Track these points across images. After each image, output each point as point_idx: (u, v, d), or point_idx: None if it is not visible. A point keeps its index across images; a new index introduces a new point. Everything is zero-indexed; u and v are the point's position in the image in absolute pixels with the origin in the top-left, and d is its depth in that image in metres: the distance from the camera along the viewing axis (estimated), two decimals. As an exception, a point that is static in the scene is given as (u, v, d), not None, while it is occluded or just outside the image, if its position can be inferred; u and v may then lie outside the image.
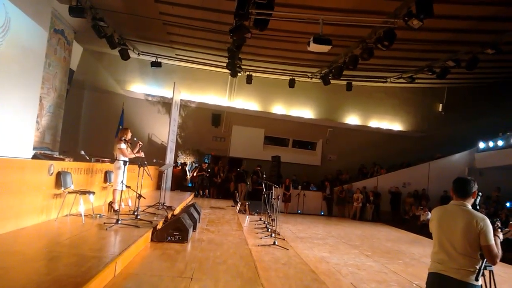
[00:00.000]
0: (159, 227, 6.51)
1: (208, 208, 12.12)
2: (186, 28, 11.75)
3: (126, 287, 3.93)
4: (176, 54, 15.14)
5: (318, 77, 15.24)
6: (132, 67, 16.41)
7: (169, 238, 6.16)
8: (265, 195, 9.92)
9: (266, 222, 10.07)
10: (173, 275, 4.48)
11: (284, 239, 8.57)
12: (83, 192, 6.48)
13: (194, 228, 7.38)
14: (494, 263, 2.72)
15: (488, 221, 2.73)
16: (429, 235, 3.15)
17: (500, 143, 15.87)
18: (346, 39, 10.83)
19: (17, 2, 7.97)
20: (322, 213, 16.29)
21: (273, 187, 9.45)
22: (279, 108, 18.14)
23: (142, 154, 7.71)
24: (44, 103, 11.15)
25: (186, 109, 17.22)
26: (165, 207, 8.67)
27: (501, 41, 10.38)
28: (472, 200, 2.91)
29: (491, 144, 16.41)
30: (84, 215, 6.40)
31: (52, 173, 5.96)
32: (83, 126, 16.10)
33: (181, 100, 16.22)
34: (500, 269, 7.37)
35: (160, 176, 12.05)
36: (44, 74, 10.26)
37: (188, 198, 12.97)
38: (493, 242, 2.68)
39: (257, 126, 17.74)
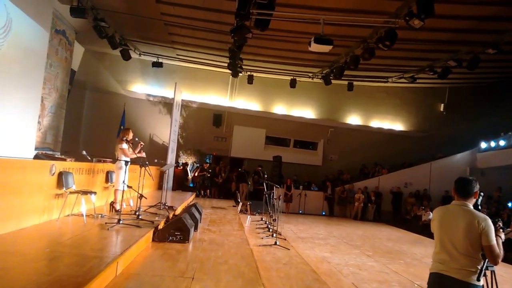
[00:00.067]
0: (160, 227, 6.52)
1: (209, 208, 12.13)
2: (187, 29, 11.76)
3: (127, 287, 3.94)
4: (177, 55, 15.16)
5: (319, 77, 15.24)
6: (133, 68, 16.43)
7: (170, 238, 6.16)
8: (266, 195, 9.91)
9: (267, 222, 10.07)
10: (174, 275, 4.49)
11: (285, 239, 8.57)
12: (85, 192, 6.49)
13: (196, 228, 7.39)
14: (495, 263, 2.72)
15: (489, 221, 2.72)
16: (430, 235, 3.15)
17: (501, 143, 15.84)
18: (347, 39, 10.82)
19: (19, 3, 7.99)
20: (324, 213, 16.28)
21: (274, 187, 9.45)
22: (280, 108, 18.13)
23: (143, 154, 7.73)
24: (45, 103, 11.17)
25: (187, 109, 17.23)
26: (167, 207, 8.67)
27: (502, 41, 10.36)
28: (474, 200, 2.91)
29: (492, 144, 16.37)
30: (86, 215, 6.41)
31: (53, 173, 5.97)
32: (85, 126, 16.13)
33: (182, 100, 16.21)
34: (501, 269, 7.35)
35: (161, 176, 12.07)
36: (45, 75, 10.28)
37: (189, 198, 12.98)
38: (494, 242, 2.67)
39: (258, 126, 17.74)
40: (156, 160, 10.71)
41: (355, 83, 15.77)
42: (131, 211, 7.41)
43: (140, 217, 6.73)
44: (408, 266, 7.42)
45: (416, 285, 5.99)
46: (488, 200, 14.42)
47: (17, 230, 5.04)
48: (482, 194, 2.98)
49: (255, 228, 9.62)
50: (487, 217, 2.74)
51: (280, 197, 10.33)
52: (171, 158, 13.59)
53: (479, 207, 2.98)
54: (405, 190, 16.74)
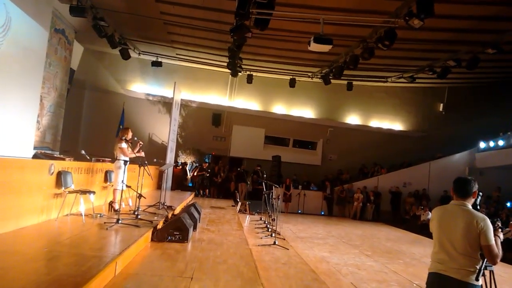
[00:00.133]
0: (159, 226, 6.51)
1: (208, 207, 12.13)
2: (187, 28, 11.75)
3: (126, 287, 3.94)
4: (177, 54, 15.14)
5: (319, 76, 15.24)
6: (133, 67, 16.41)
7: (169, 237, 6.16)
8: (266, 195, 9.91)
9: (266, 222, 10.07)
10: (173, 275, 4.48)
11: (284, 239, 8.57)
12: (84, 192, 6.49)
13: (195, 228, 7.38)
14: (494, 263, 2.72)
15: (488, 221, 2.72)
16: (429, 235, 3.15)
17: (500, 143, 15.86)
18: (347, 38, 10.82)
19: (18, 2, 7.97)
20: (323, 213, 16.29)
21: (273, 186, 9.45)
22: (279, 108, 18.13)
23: (142, 154, 7.72)
24: (44, 102, 11.16)
25: (186, 108, 17.22)
26: (166, 207, 8.67)
27: (502, 41, 10.36)
28: (473, 200, 2.91)
29: (491, 144, 16.39)
30: (85, 215, 6.40)
31: (52, 173, 5.97)
32: (84, 126, 16.12)
33: (181, 99, 16.22)
34: (500, 269, 7.36)
35: (160, 176, 12.06)
36: (44, 74, 10.26)
37: (188, 197, 12.97)
38: (493, 242, 2.67)
39: (258, 126, 17.73)
40: (155, 160, 10.71)
41: (354, 83, 15.77)
42: (130, 210, 7.40)
43: (139, 216, 6.72)
44: (407, 265, 7.43)
45: (415, 284, 6.00)
46: (487, 200, 14.44)
47: (16, 229, 5.03)
48: (481, 194, 2.99)
49: (254, 228, 9.62)
50: (486, 217, 2.74)
51: (279, 197, 10.33)
52: (170, 157, 13.60)
53: (478, 207, 2.98)
54: (404, 190, 16.75)
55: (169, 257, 5.30)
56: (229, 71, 14.50)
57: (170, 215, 7.88)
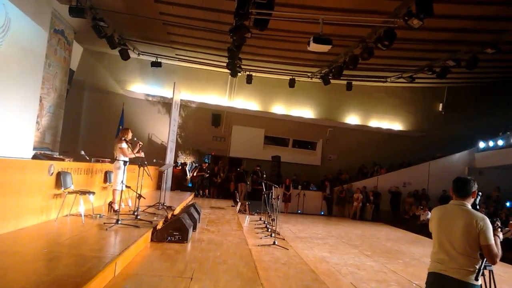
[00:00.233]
0: (159, 227, 6.51)
1: (208, 208, 12.12)
2: (186, 28, 11.75)
3: (126, 287, 3.93)
4: (176, 54, 15.14)
5: (318, 77, 15.24)
6: (132, 67, 16.41)
7: (169, 238, 6.15)
8: (265, 195, 9.92)
9: (266, 222, 10.08)
10: (173, 275, 4.48)
11: (284, 239, 8.58)
12: (83, 192, 6.48)
13: (194, 228, 7.38)
14: (494, 263, 2.72)
15: (488, 220, 2.72)
16: (429, 235, 3.15)
17: (500, 142, 15.87)
18: (346, 38, 10.83)
19: (17, 3, 7.97)
20: (322, 213, 16.29)
21: (273, 187, 9.45)
22: (279, 108, 18.13)
23: (142, 154, 7.72)
24: (44, 103, 11.15)
25: (186, 109, 17.22)
26: (165, 207, 8.67)
27: (501, 41, 10.37)
28: (472, 199, 2.91)
29: (491, 143, 16.40)
30: (84, 215, 6.40)
31: (52, 173, 5.96)
32: (83, 126, 16.11)
33: (181, 100, 16.22)
34: (500, 269, 7.37)
35: (160, 176, 12.06)
36: (44, 74, 10.26)
37: (188, 198, 12.97)
38: (493, 241, 2.67)
39: (257, 126, 17.74)
40: (154, 160, 10.70)
41: (354, 83, 15.77)
42: (129, 211, 7.39)
43: (138, 217, 6.72)
44: (407, 265, 7.43)
45: (414, 284, 6.00)
46: (487, 199, 14.45)
47: (15, 230, 5.03)
48: (480, 193, 2.99)
49: (253, 228, 9.62)
50: (485, 217, 2.75)
51: (279, 197, 10.33)
52: (169, 158, 13.61)
53: (478, 207, 2.98)
54: (404, 189, 16.76)
55: (169, 257, 5.30)
56: (228, 71, 14.50)
57: (169, 216, 7.87)
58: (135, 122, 15.66)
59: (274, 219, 9.17)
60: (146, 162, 7.44)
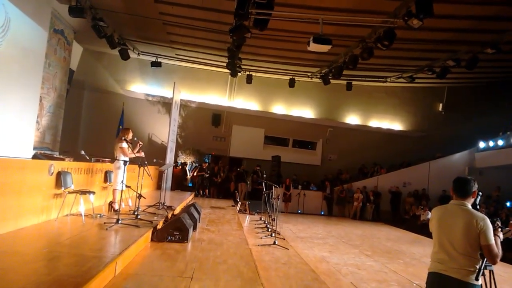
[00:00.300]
0: (159, 227, 6.51)
1: (208, 208, 12.13)
2: (186, 28, 11.75)
3: (126, 287, 3.94)
4: (176, 54, 15.14)
5: (318, 76, 15.24)
6: (132, 67, 16.41)
7: (169, 238, 6.16)
8: (265, 195, 9.92)
9: (266, 222, 10.08)
10: (173, 275, 4.48)
11: (284, 239, 8.58)
12: (83, 192, 6.48)
13: (194, 228, 7.38)
14: (494, 263, 2.72)
15: (488, 220, 2.72)
16: (429, 235, 3.15)
17: (500, 142, 15.87)
18: (346, 38, 10.82)
19: (17, 2, 7.97)
20: (322, 213, 16.29)
21: (273, 186, 9.45)
22: (279, 108, 18.13)
23: (142, 154, 7.72)
24: (44, 103, 11.15)
25: (186, 109, 17.22)
26: (165, 207, 8.67)
27: (501, 41, 10.37)
28: (472, 199, 2.91)
29: (491, 143, 16.40)
30: (84, 215, 6.40)
31: (52, 173, 5.96)
32: (83, 126, 16.11)
33: (181, 100, 16.22)
34: (500, 269, 7.37)
35: (160, 176, 12.06)
36: (44, 74, 10.26)
37: (188, 198, 12.97)
38: (493, 241, 2.67)
39: (257, 126, 17.74)
40: (155, 160, 10.71)
41: (354, 82, 15.77)
42: (130, 211, 7.40)
43: (139, 217, 6.72)
44: (407, 265, 7.43)
45: (414, 284, 6.00)
46: (487, 199, 14.45)
47: (15, 230, 5.03)
48: (480, 193, 2.99)
49: (254, 228, 9.62)
50: (486, 217, 2.75)
51: (279, 197, 10.33)
52: (170, 157, 13.61)
53: (478, 207, 2.98)
54: (404, 189, 16.76)
55: (169, 257, 5.30)
56: (228, 71, 14.50)
57: (170, 215, 7.88)
58: (135, 122, 15.66)
59: (274, 219, 9.17)
60: (146, 162, 7.44)
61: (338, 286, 5.47)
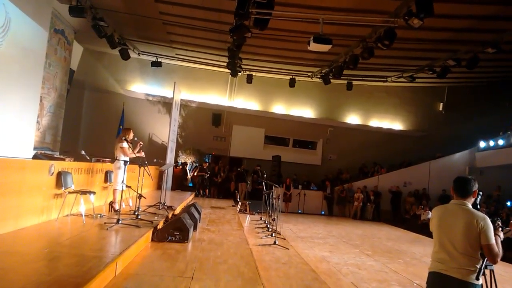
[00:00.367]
0: (159, 227, 6.52)
1: (208, 207, 12.13)
2: (186, 28, 11.75)
3: (126, 287, 3.93)
4: (176, 54, 15.14)
5: (319, 76, 15.24)
6: (132, 67, 16.41)
7: (169, 238, 6.16)
8: (266, 195, 9.92)
9: (266, 222, 10.07)
10: (173, 275, 4.48)
11: (284, 239, 8.57)
12: (84, 192, 6.49)
13: (195, 228, 7.38)
14: (494, 262, 2.72)
15: (488, 220, 2.72)
16: (429, 235, 3.15)
17: (500, 142, 15.86)
18: (347, 38, 10.82)
19: (17, 2, 7.97)
20: (323, 213, 16.29)
21: (273, 186, 9.45)
22: (279, 108, 18.13)
23: (142, 154, 7.72)
24: (44, 103, 11.16)
25: (186, 108, 17.22)
26: (166, 207, 8.67)
27: (502, 40, 10.36)
28: (473, 199, 2.90)
29: (491, 143, 16.39)
30: (85, 215, 6.40)
31: (52, 173, 5.97)
32: (84, 126, 16.12)
33: (181, 99, 16.22)
34: (500, 268, 7.36)
35: (160, 176, 12.06)
36: (44, 74, 10.26)
37: (188, 198, 12.97)
38: (493, 241, 2.67)
39: (258, 126, 17.74)
40: (155, 160, 10.71)
41: (354, 82, 15.77)
42: (130, 211, 7.40)
43: (139, 217, 6.72)
44: (408, 265, 7.43)
45: (415, 284, 6.00)
46: (487, 199, 14.45)
47: (16, 230, 5.03)
48: (481, 193, 2.99)
49: (254, 228, 9.62)
50: (486, 216, 2.74)
51: (279, 197, 10.33)
52: (170, 157, 13.61)
53: (478, 206, 2.98)
54: (404, 189, 16.75)
55: (170, 257, 5.30)
56: (228, 71, 14.50)
57: (170, 215, 7.88)
58: (135, 122, 15.67)
59: (274, 218, 9.16)
60: (146, 162, 7.44)
61: (338, 286, 5.47)
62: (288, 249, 7.47)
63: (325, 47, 8.83)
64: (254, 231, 9.19)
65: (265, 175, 12.34)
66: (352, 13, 9.22)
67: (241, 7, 7.53)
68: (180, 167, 16.36)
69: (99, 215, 6.68)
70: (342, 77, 13.53)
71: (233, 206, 13.30)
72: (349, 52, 11.52)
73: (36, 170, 5.68)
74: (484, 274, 2.86)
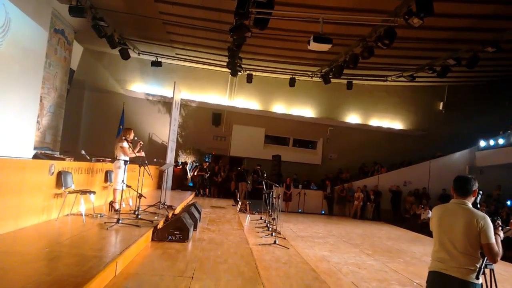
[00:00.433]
0: (159, 226, 6.52)
1: (208, 207, 12.13)
2: (186, 28, 11.75)
3: (126, 287, 3.94)
4: (176, 54, 15.14)
5: (319, 76, 15.24)
6: (133, 67, 16.42)
7: (169, 237, 6.16)
8: (266, 194, 9.92)
9: (266, 221, 10.07)
10: (174, 274, 4.49)
11: (284, 238, 8.57)
12: (84, 192, 6.49)
13: (195, 228, 7.39)
14: (494, 262, 2.72)
15: (488, 219, 2.72)
16: (429, 234, 3.15)
17: (500, 141, 15.85)
18: (347, 37, 10.82)
19: (17, 2, 7.97)
20: (323, 212, 16.29)
21: (273, 186, 9.45)
22: (279, 107, 18.13)
23: (142, 154, 7.72)
24: (44, 103, 11.16)
25: (186, 108, 17.23)
26: (166, 207, 8.67)
27: (502, 39, 10.35)
28: (473, 198, 2.90)
29: (491, 142, 16.38)
30: (85, 215, 6.41)
31: (52, 173, 5.97)
32: (84, 126, 16.12)
33: (181, 99, 16.22)
34: (500, 268, 7.36)
35: (160, 176, 12.07)
36: (44, 74, 10.27)
37: (188, 197, 12.98)
38: (493, 240, 2.67)
39: (258, 125, 17.74)
40: (155, 160, 10.72)
41: (354, 82, 15.76)
42: (130, 210, 7.41)
43: (139, 216, 6.72)
44: (408, 264, 7.43)
45: (415, 283, 6.00)
46: (487, 198, 14.44)
47: (16, 230, 5.04)
48: (481, 192, 2.99)
49: (254, 227, 9.62)
50: (486, 216, 2.74)
51: (280, 196, 10.33)
52: (170, 157, 13.59)
53: (478, 206, 2.98)
54: (404, 188, 16.75)
55: (170, 256, 5.31)
56: (228, 70, 14.49)
57: (170, 215, 7.88)
58: (135, 122, 15.67)
59: (274, 218, 9.16)
60: (146, 162, 7.44)
61: (338, 286, 5.47)
62: (288, 248, 7.47)
63: (325, 47, 8.83)
64: (254, 230, 9.19)
65: (265, 175, 12.34)
66: (352, 13, 9.21)
67: (241, 6, 7.53)
68: (180, 166, 16.37)
69: (99, 215, 6.68)
70: (342, 77, 13.52)
71: (233, 205, 13.31)
72: (349, 51, 11.51)
73: (36, 170, 5.69)
74: (484, 273, 2.86)
